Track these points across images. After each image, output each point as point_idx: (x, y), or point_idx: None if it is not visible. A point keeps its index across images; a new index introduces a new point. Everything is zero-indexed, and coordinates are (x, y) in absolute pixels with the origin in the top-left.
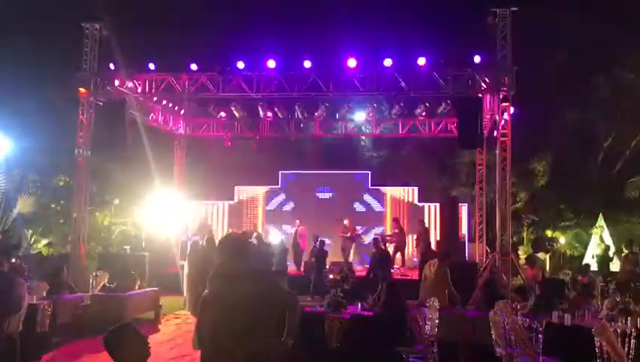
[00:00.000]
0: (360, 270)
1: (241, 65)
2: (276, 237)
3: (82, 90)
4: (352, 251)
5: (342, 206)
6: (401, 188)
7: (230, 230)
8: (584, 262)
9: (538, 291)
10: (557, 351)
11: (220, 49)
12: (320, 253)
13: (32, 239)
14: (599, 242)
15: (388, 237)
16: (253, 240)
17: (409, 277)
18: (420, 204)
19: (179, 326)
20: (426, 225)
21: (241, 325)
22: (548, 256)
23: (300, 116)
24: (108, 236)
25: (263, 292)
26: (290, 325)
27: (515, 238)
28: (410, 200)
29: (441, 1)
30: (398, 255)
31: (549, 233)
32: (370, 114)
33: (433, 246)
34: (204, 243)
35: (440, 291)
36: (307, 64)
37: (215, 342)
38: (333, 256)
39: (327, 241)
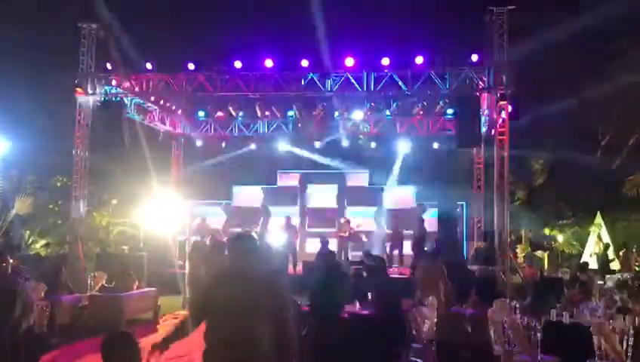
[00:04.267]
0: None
1: (238, 64)
2: (279, 237)
3: (79, 90)
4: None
5: (340, 205)
6: (399, 187)
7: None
8: (582, 260)
9: (536, 289)
10: (555, 350)
11: (218, 48)
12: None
13: (30, 240)
14: (597, 240)
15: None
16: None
17: (406, 276)
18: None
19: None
20: (425, 224)
21: (248, 326)
22: (546, 254)
23: (297, 115)
24: (106, 236)
25: (273, 294)
26: (280, 348)
27: (513, 236)
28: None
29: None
30: (396, 252)
31: (547, 231)
32: (368, 113)
33: (433, 244)
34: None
35: (435, 289)
36: (304, 63)
37: (220, 339)
38: None
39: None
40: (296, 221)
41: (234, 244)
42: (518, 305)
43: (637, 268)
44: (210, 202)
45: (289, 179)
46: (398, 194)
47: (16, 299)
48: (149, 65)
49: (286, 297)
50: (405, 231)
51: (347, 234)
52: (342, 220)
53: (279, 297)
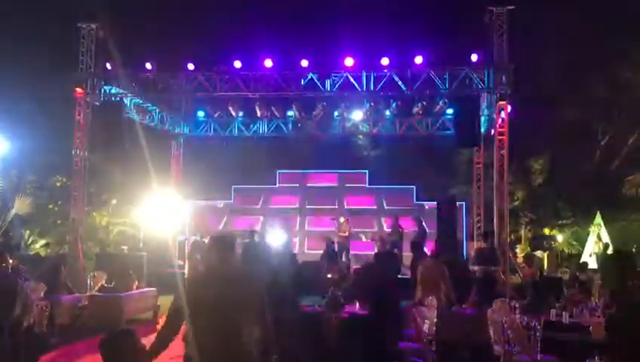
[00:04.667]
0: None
1: (238, 64)
2: (279, 237)
3: (79, 90)
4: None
5: (339, 204)
6: (399, 186)
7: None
8: (582, 260)
9: (535, 289)
10: (555, 349)
11: (218, 48)
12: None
13: (30, 240)
14: (597, 240)
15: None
16: (255, 240)
17: (406, 276)
18: (418, 203)
19: None
20: (424, 225)
21: (223, 326)
22: (546, 254)
23: (297, 115)
24: (105, 236)
25: (244, 294)
26: (261, 340)
27: (512, 236)
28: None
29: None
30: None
31: (546, 231)
32: (368, 113)
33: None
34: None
35: (436, 289)
36: (304, 63)
37: (198, 341)
38: None
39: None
40: (295, 221)
41: (214, 245)
42: (517, 305)
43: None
44: (209, 202)
45: (289, 179)
46: (398, 194)
47: (16, 299)
48: (148, 66)
49: (264, 294)
50: (405, 231)
51: (347, 233)
52: (341, 219)
53: (259, 294)
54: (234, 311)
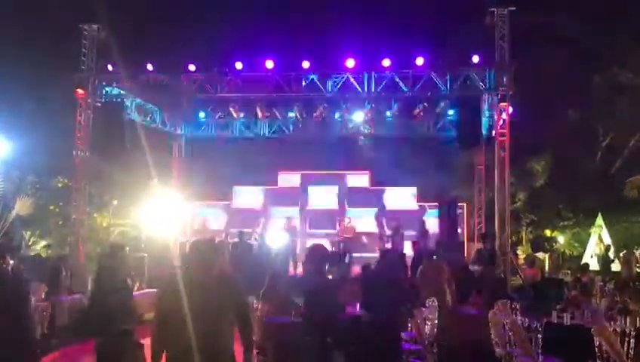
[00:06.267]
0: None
1: (239, 65)
2: (280, 238)
3: (80, 91)
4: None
5: (341, 206)
6: (400, 188)
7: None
8: (583, 261)
9: (536, 290)
10: (556, 351)
11: (219, 49)
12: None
13: (31, 241)
14: (598, 241)
15: (385, 238)
16: (253, 242)
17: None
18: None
19: None
20: (426, 226)
21: (203, 330)
22: (547, 256)
23: (298, 116)
24: (106, 237)
25: (223, 299)
26: (245, 338)
27: (514, 238)
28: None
29: (440, 1)
30: None
31: (548, 233)
32: (369, 114)
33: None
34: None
35: (440, 290)
36: (306, 64)
37: (186, 345)
38: None
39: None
40: (296, 222)
41: (193, 250)
42: (518, 306)
43: (638, 270)
44: (211, 203)
45: (290, 180)
46: (399, 196)
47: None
48: (149, 67)
49: (244, 295)
50: (406, 233)
51: (351, 235)
52: (346, 221)
53: (238, 296)
54: (213, 315)
